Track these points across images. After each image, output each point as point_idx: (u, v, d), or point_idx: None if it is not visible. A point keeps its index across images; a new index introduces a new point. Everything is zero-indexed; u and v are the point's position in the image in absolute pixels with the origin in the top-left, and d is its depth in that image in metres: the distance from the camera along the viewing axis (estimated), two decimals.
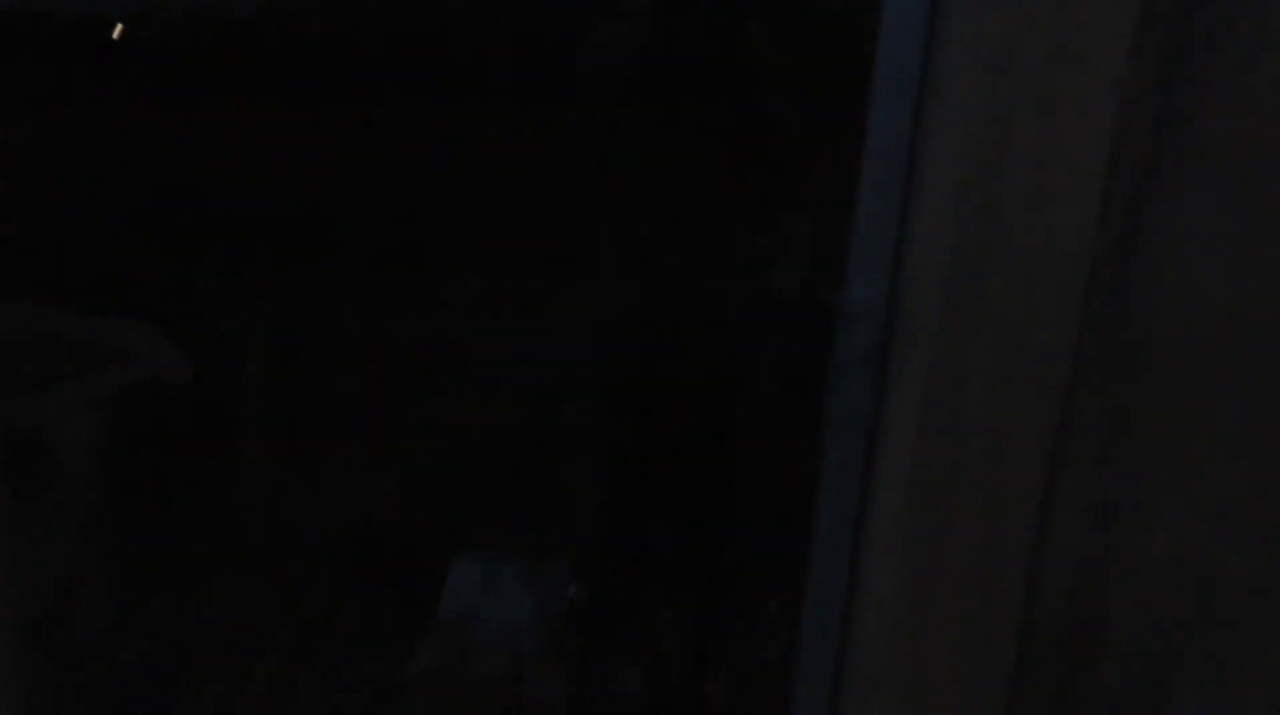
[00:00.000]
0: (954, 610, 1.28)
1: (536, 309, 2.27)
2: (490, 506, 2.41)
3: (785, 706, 1.37)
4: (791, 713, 1.38)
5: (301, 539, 2.52)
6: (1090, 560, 1.20)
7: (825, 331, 1.25)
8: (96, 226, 2.57)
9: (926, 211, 1.21)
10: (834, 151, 1.61)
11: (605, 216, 1.80)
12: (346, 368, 2.59)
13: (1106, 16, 1.16)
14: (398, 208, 2.55)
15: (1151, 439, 1.18)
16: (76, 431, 2.40)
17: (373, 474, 2.56)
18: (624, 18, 1.73)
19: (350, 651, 2.33)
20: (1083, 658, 1.28)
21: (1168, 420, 1.17)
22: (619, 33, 1.73)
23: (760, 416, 1.74)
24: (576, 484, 2.18)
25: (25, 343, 2.32)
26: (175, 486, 2.54)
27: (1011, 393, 1.20)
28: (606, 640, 1.95)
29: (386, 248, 2.56)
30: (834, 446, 1.27)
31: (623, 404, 1.85)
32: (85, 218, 2.56)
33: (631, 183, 1.77)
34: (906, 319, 1.22)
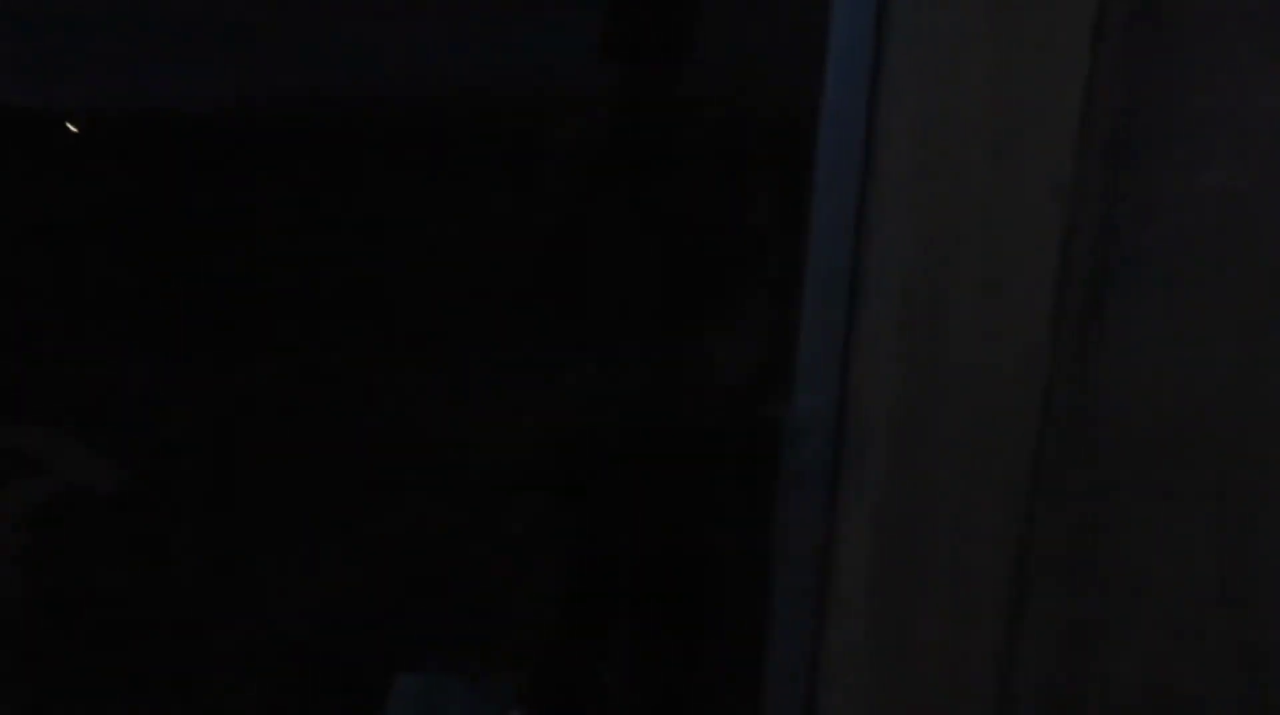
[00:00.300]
0: None
1: (479, 417, 2.21)
2: (433, 619, 2.30)
3: None
4: None
5: (235, 650, 2.38)
6: (1060, 687, 1.13)
7: (773, 444, 1.18)
8: (14, 327, 2.47)
9: (873, 317, 1.16)
10: (778, 257, 1.58)
11: (538, 327, 1.75)
12: (284, 469, 2.49)
13: (1047, 119, 1.13)
14: (337, 303, 2.50)
15: (1119, 555, 1.12)
16: None
17: (310, 581, 2.44)
18: (575, 123, 1.71)
19: None
20: None
21: (1135, 534, 1.12)
22: (568, 137, 1.71)
23: (708, 533, 1.66)
24: (522, 598, 2.09)
25: None
26: (103, 600, 2.40)
27: (969, 506, 1.14)
28: None
29: (327, 343, 2.49)
30: (785, 566, 1.20)
31: (563, 522, 1.77)
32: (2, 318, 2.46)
33: (560, 291, 1.72)
34: (856, 430, 1.16)
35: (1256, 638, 1.09)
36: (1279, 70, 1.05)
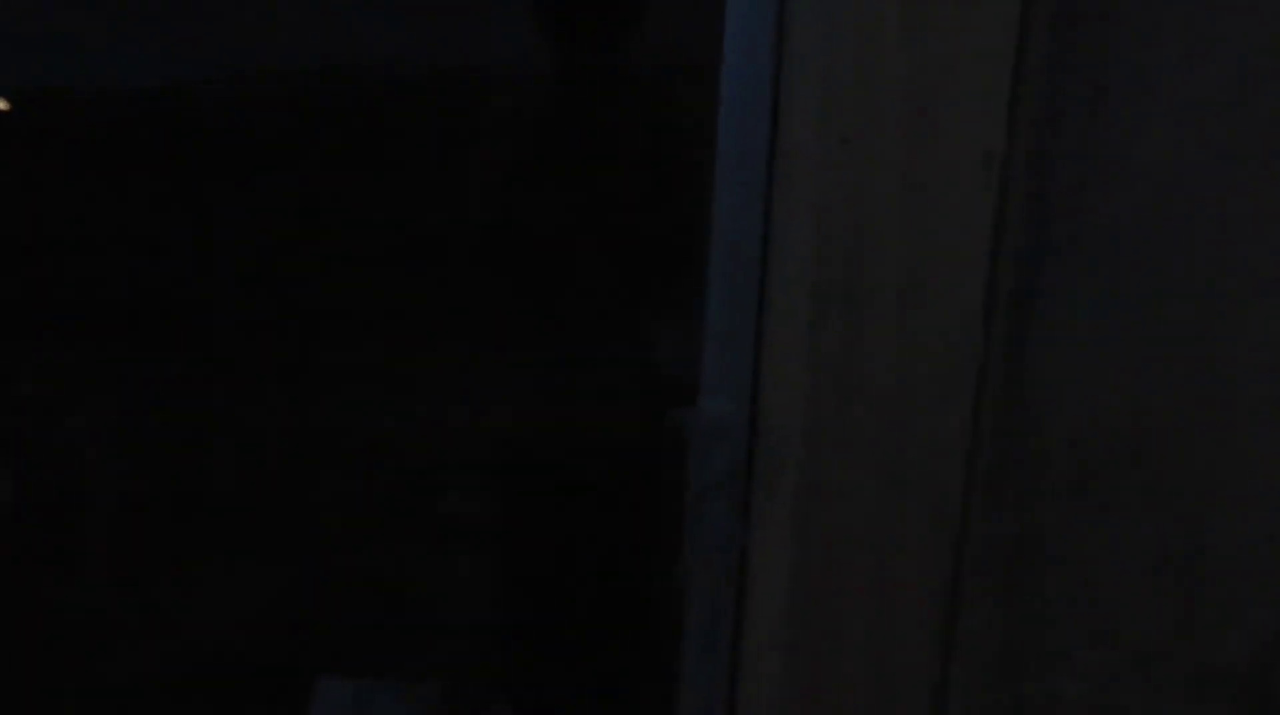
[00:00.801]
0: None
1: (406, 414, 2.09)
2: (356, 623, 2.19)
3: None
4: None
5: (148, 658, 2.27)
6: (997, 713, 1.03)
7: (679, 453, 1.06)
8: None
9: (784, 311, 1.04)
10: (677, 245, 1.45)
11: (432, 321, 1.63)
12: (194, 465, 2.35)
13: (973, 81, 1.00)
14: (250, 293, 2.35)
15: (1059, 570, 1.01)
16: None
17: (226, 583, 2.31)
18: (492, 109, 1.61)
19: None
20: None
21: (1076, 547, 1.01)
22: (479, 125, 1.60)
23: (615, 550, 1.55)
24: (449, 602, 1.99)
25: None
26: (7, 610, 2.27)
27: (896, 519, 1.03)
28: None
29: (239, 338, 2.34)
30: (696, 589, 1.09)
31: (487, 526, 1.66)
32: None
33: (454, 280, 1.61)
34: (770, 437, 1.04)
35: (1207, 656, 0.99)
36: (1229, 25, 0.93)
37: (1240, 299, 0.96)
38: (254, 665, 2.21)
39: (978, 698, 1.03)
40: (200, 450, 2.31)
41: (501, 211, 1.61)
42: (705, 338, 1.05)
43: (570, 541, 1.52)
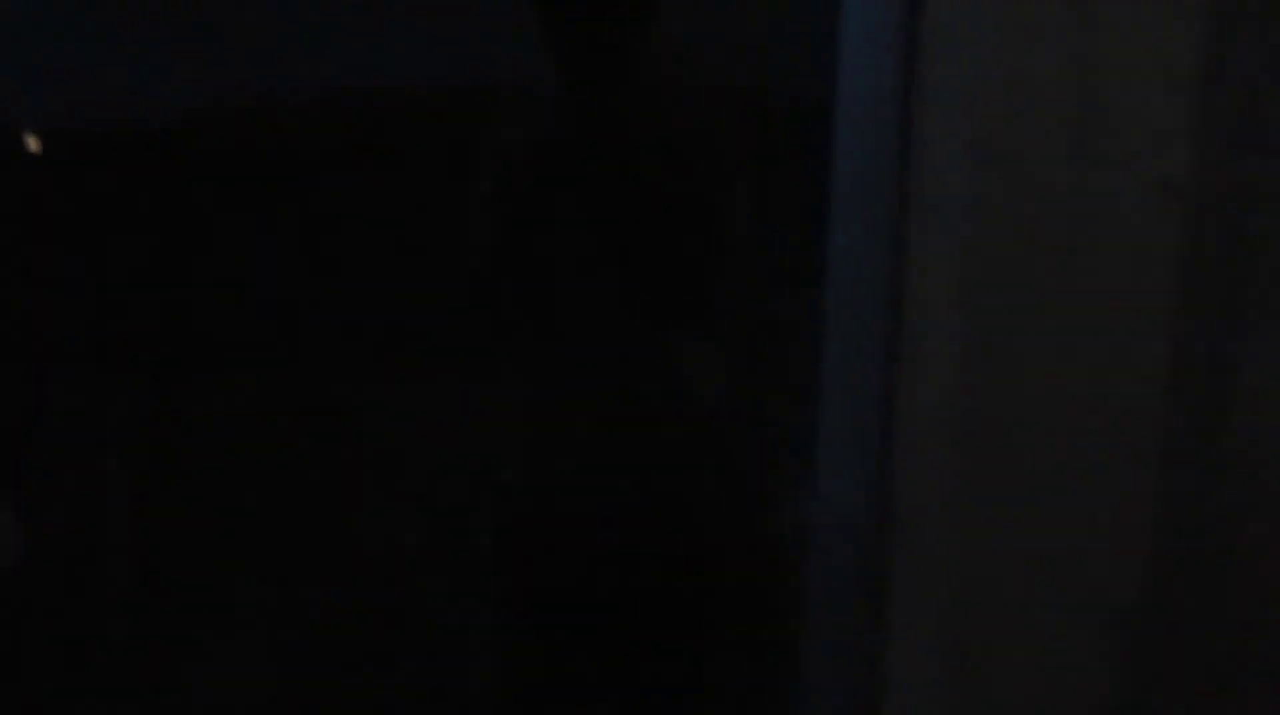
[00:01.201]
0: None
1: (443, 504, 1.95)
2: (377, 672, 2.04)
3: None
4: None
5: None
6: None
7: (796, 548, 0.87)
8: None
9: (922, 373, 0.85)
10: (794, 287, 1.26)
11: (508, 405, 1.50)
12: (210, 511, 2.18)
13: (1151, 88, 0.82)
14: (276, 316, 2.20)
15: (1268, 685, 0.83)
16: None
17: (242, 634, 2.15)
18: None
19: None
20: None
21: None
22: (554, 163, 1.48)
23: (722, 650, 1.36)
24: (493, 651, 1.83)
25: None
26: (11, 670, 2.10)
27: (1067, 630, 0.85)
28: None
29: (263, 365, 2.20)
30: (818, 710, 0.90)
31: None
32: None
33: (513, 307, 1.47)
34: (908, 530, 0.85)
35: None
36: None
37: None
38: None
39: None
40: (225, 491, 2.16)
41: (514, 234, 1.47)
42: (822, 408, 0.86)
43: (639, 594, 1.34)
